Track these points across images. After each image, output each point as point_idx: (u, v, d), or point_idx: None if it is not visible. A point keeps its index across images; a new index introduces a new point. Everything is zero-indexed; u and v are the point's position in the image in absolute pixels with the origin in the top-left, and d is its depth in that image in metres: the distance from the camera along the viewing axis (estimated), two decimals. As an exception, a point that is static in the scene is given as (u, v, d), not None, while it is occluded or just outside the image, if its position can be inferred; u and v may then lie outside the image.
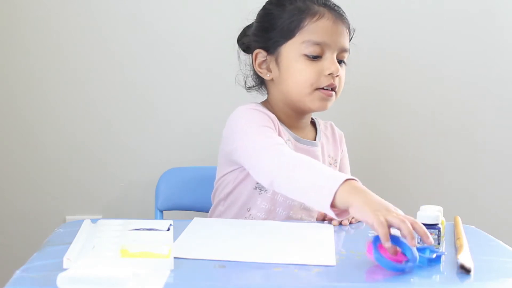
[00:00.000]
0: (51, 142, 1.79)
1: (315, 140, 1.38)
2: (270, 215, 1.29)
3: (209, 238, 1.04)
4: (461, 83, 1.90)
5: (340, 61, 1.30)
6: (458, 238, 1.02)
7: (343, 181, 1.00)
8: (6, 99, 1.77)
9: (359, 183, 1.01)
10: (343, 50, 1.30)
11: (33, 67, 1.76)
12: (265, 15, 1.35)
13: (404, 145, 1.90)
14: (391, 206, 0.97)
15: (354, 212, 0.98)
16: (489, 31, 1.89)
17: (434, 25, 1.87)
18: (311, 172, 1.08)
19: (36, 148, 1.79)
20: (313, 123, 1.42)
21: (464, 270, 0.86)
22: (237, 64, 1.40)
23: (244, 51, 1.39)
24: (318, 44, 1.27)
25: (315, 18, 1.28)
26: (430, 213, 0.99)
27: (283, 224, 1.17)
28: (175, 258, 0.85)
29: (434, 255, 0.90)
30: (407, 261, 0.87)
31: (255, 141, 1.20)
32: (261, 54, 1.33)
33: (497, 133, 1.92)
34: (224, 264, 0.88)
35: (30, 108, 1.77)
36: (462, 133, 1.92)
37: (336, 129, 1.45)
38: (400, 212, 0.96)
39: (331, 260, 0.91)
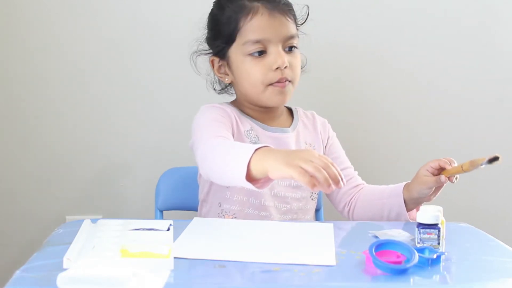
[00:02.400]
0: (51, 142, 1.79)
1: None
2: (243, 205, 1.30)
3: (209, 238, 1.04)
4: (461, 83, 1.90)
5: (290, 48, 1.30)
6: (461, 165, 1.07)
7: (253, 151, 1.01)
8: (6, 99, 1.77)
9: (271, 148, 1.02)
10: (287, 38, 1.29)
11: (33, 67, 1.76)
12: (210, 21, 1.37)
13: (404, 146, 1.90)
14: (304, 152, 0.98)
15: (273, 176, 0.98)
16: (486, 32, 1.89)
17: (434, 25, 1.87)
18: (228, 153, 1.09)
19: (36, 148, 1.79)
20: (292, 112, 1.43)
21: (494, 161, 0.87)
22: (205, 69, 1.41)
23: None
24: (257, 42, 1.27)
25: (249, 17, 1.28)
26: (430, 213, 0.99)
27: (283, 224, 1.17)
28: (175, 258, 0.85)
29: (434, 255, 0.90)
30: (406, 260, 0.87)
31: (200, 135, 1.23)
32: (215, 60, 1.35)
33: (497, 133, 1.92)
34: (224, 264, 0.88)
35: (30, 108, 1.77)
36: (462, 133, 1.92)
37: (318, 117, 1.45)
38: (315, 154, 0.97)
39: (331, 260, 0.91)
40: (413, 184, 1.25)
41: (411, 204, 1.26)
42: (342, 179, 0.96)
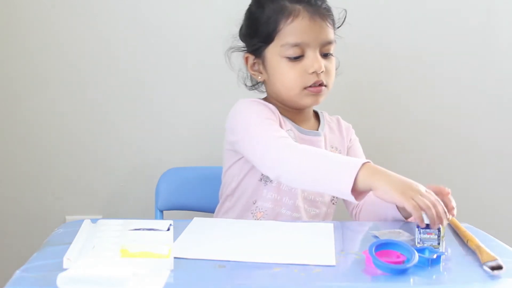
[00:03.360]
0: (51, 142, 1.79)
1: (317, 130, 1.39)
2: (277, 204, 1.30)
3: (209, 238, 1.04)
4: (462, 82, 1.90)
5: (326, 54, 1.30)
6: (469, 240, 1.02)
7: (361, 164, 1.04)
8: (6, 99, 1.77)
9: (375, 165, 1.05)
10: (326, 44, 1.29)
11: (34, 67, 1.76)
12: (248, 18, 1.36)
13: (403, 146, 1.90)
14: (414, 184, 1.02)
15: (380, 195, 1.02)
16: (487, 31, 1.89)
17: (435, 25, 1.87)
18: (324, 161, 1.11)
19: (36, 148, 1.79)
20: (317, 115, 1.44)
21: (497, 269, 0.86)
22: (237, 64, 1.41)
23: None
24: (296, 45, 1.27)
25: (289, 20, 1.27)
26: None
27: (283, 224, 1.17)
28: (175, 258, 0.85)
29: (434, 255, 0.90)
30: (406, 260, 0.87)
31: (259, 133, 1.22)
32: (250, 57, 1.35)
33: (497, 133, 1.92)
34: (224, 264, 0.88)
35: (30, 108, 1.77)
36: (462, 133, 1.92)
37: (343, 122, 1.47)
38: (422, 188, 1.01)
39: (331, 260, 0.91)
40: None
41: (403, 211, 1.23)
42: (447, 217, 1.00)
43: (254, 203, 1.31)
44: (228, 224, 1.17)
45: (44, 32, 1.75)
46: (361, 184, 1.04)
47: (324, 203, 1.36)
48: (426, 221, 0.97)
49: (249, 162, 1.27)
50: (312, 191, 1.23)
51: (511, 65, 1.91)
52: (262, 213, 1.31)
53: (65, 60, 1.77)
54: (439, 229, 0.98)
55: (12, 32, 1.74)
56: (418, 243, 0.98)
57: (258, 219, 1.30)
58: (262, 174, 1.29)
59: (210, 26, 1.79)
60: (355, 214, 1.40)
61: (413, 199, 0.98)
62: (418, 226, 0.99)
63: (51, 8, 1.74)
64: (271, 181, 1.30)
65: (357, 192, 1.05)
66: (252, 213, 1.32)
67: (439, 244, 0.98)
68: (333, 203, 1.40)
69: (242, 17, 1.38)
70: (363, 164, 1.05)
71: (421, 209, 0.97)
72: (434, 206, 0.98)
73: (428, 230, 0.98)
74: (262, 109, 1.30)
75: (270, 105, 1.32)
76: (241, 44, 1.38)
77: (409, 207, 0.98)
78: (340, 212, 1.46)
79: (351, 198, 1.05)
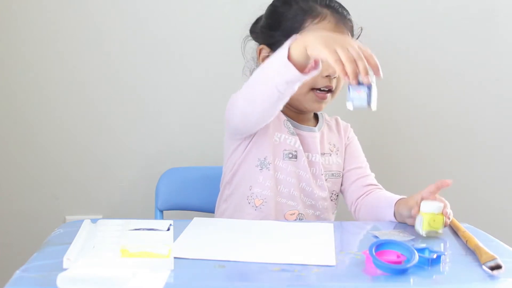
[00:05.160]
0: (51, 142, 1.79)
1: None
2: (274, 193, 1.32)
3: (209, 238, 1.04)
4: (462, 82, 1.90)
5: None
6: (468, 240, 1.02)
7: (294, 37, 1.06)
8: (6, 99, 1.77)
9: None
10: None
11: (34, 67, 1.76)
12: (272, 12, 1.37)
13: (403, 145, 1.90)
14: (343, 38, 1.01)
15: (310, 52, 1.02)
16: (491, 30, 1.89)
17: (437, 25, 1.87)
18: (264, 65, 1.15)
19: (36, 148, 1.79)
20: (316, 116, 1.46)
21: (496, 269, 0.86)
22: (237, 64, 1.41)
23: (255, 40, 1.42)
24: None
25: (316, 20, 1.29)
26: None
27: (283, 224, 1.17)
28: (175, 258, 0.85)
29: (434, 255, 0.90)
30: (406, 260, 0.87)
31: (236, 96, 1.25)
32: (264, 49, 1.36)
33: (497, 133, 1.93)
34: (224, 264, 0.88)
35: (30, 108, 1.77)
36: (462, 133, 1.92)
37: (342, 122, 1.49)
38: (354, 43, 1.00)
39: (331, 260, 0.91)
40: (404, 201, 1.20)
41: (398, 218, 1.21)
42: (378, 73, 0.98)
43: (250, 189, 1.33)
44: (228, 224, 1.17)
45: (45, 32, 1.75)
46: (295, 51, 1.04)
47: (321, 197, 1.37)
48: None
49: (233, 130, 1.31)
50: (270, 99, 1.18)
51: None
52: (261, 200, 1.32)
53: (65, 60, 1.77)
54: (369, 87, 0.97)
55: (12, 32, 1.74)
56: (348, 102, 0.98)
57: (257, 207, 1.32)
58: (258, 160, 1.32)
59: (209, 27, 1.79)
60: (354, 212, 1.41)
61: (336, 53, 0.98)
62: (349, 85, 0.99)
63: (50, 9, 1.74)
64: (267, 168, 1.32)
65: (299, 64, 1.05)
66: (248, 200, 1.33)
67: (369, 104, 0.97)
68: (331, 200, 1.41)
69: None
70: (295, 37, 1.06)
71: (342, 62, 0.97)
72: (358, 59, 0.97)
73: (358, 87, 0.96)
74: None
75: None
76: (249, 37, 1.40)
77: (330, 59, 0.98)
78: (341, 212, 1.47)
79: (292, 68, 1.04)
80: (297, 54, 1.05)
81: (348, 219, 1.42)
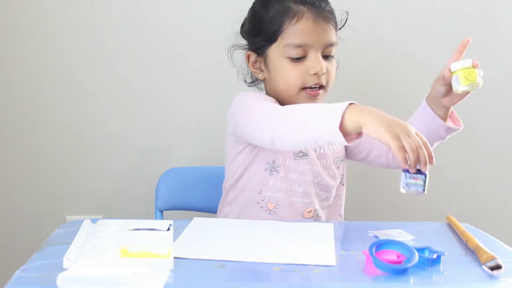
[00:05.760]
0: (51, 142, 1.79)
1: None
2: (288, 193, 1.31)
3: (209, 238, 1.04)
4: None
5: (327, 56, 1.31)
6: (468, 240, 1.02)
7: (348, 104, 1.02)
8: (6, 99, 1.77)
9: (364, 105, 1.03)
10: (328, 46, 1.30)
11: (33, 67, 1.76)
12: (252, 16, 1.37)
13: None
14: (404, 123, 0.99)
15: (368, 131, 0.99)
16: (491, 30, 1.89)
17: (437, 25, 1.87)
18: (312, 110, 1.11)
19: (36, 148, 1.79)
20: None
21: (496, 269, 0.86)
22: (239, 61, 1.41)
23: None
24: (299, 46, 1.28)
25: (294, 21, 1.28)
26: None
27: (283, 224, 1.17)
28: (175, 258, 0.85)
29: (434, 255, 0.90)
30: (406, 260, 0.87)
31: (254, 106, 1.24)
32: (252, 55, 1.36)
33: (498, 133, 1.92)
34: (224, 264, 0.88)
35: (30, 108, 1.77)
36: (462, 133, 1.91)
37: None
38: (412, 129, 0.98)
39: (331, 260, 0.91)
40: (432, 85, 1.31)
41: (436, 105, 1.31)
42: (432, 161, 0.97)
43: (259, 193, 1.32)
44: (228, 224, 1.17)
45: (45, 32, 1.75)
46: (349, 121, 1.00)
47: (334, 186, 1.38)
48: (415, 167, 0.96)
49: (248, 139, 1.28)
50: (303, 145, 1.21)
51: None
52: (274, 204, 1.32)
53: (64, 60, 1.77)
54: (425, 175, 0.97)
55: (12, 32, 1.74)
56: (403, 187, 0.97)
57: (271, 210, 1.31)
58: (267, 163, 1.31)
59: (210, 25, 1.79)
60: (363, 158, 1.45)
61: (399, 139, 0.96)
62: (404, 170, 0.97)
63: (50, 9, 1.74)
64: (277, 171, 1.31)
65: (346, 132, 1.02)
66: (259, 204, 1.32)
67: (424, 190, 0.96)
68: (342, 184, 1.41)
69: (243, 15, 1.39)
70: (351, 103, 1.02)
71: (405, 150, 0.95)
72: (419, 149, 0.96)
73: (415, 175, 0.96)
74: (261, 95, 1.33)
75: (270, 97, 1.35)
76: (243, 42, 1.39)
77: (394, 146, 0.95)
78: (343, 211, 1.46)
79: (340, 137, 1.01)
80: (350, 127, 1.01)
81: (350, 219, 1.43)
